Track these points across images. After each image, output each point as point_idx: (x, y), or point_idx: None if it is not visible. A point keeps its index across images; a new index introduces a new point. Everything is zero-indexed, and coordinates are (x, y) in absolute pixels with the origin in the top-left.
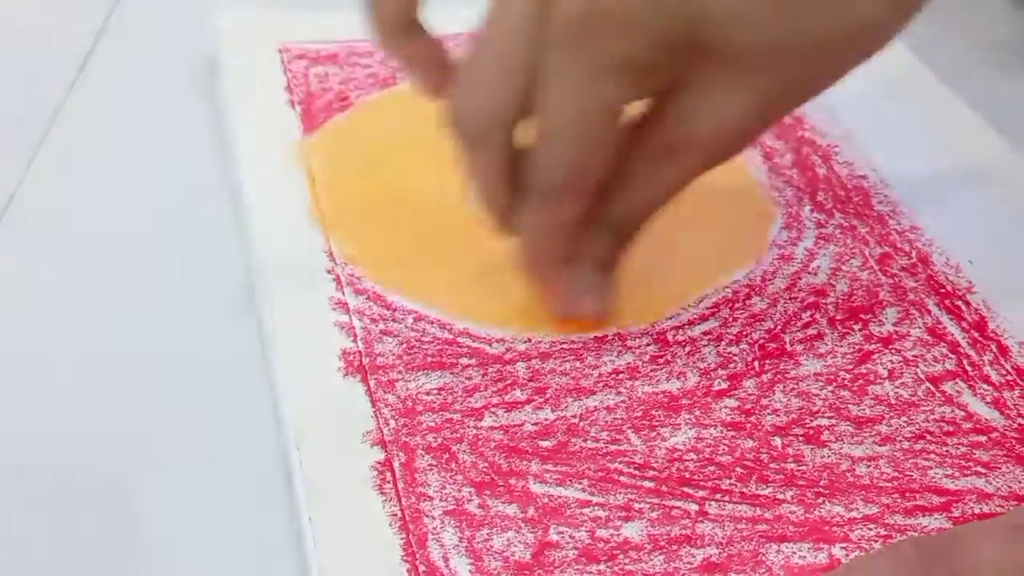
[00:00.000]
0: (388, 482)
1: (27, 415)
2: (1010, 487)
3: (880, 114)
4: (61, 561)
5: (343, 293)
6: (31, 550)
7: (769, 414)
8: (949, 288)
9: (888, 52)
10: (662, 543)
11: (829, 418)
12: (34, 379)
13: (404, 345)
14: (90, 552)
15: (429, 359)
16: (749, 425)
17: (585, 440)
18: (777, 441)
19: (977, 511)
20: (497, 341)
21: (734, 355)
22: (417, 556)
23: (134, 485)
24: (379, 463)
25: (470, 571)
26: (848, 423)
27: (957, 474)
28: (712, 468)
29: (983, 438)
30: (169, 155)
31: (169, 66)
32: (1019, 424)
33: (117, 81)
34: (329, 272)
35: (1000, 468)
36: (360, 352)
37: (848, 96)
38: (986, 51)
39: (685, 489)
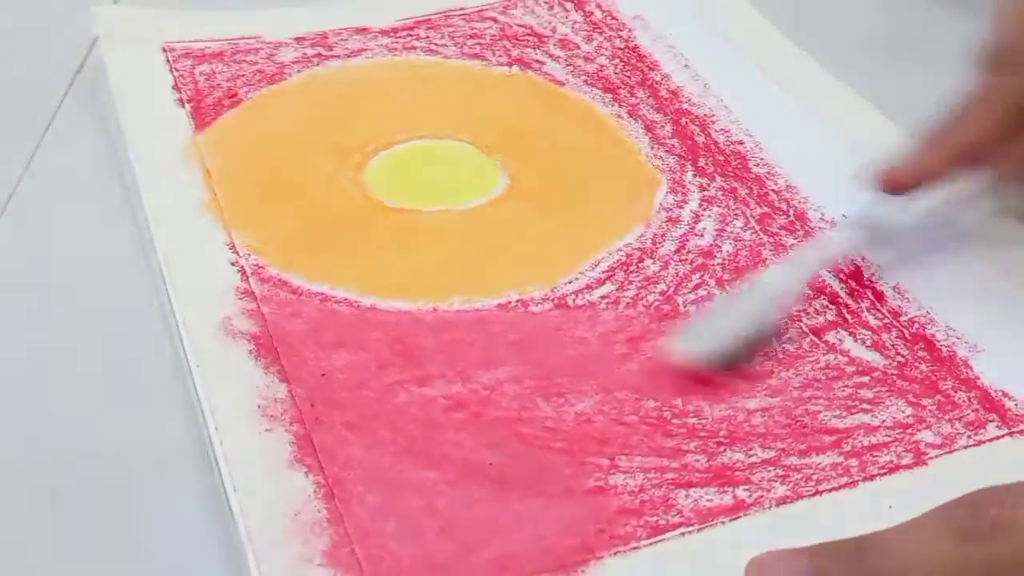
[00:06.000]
0: (310, 455)
1: (27, 414)
2: (894, 418)
3: (754, 88)
4: (61, 561)
5: (248, 283)
6: (31, 550)
7: (667, 376)
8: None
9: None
10: (578, 495)
11: (723, 376)
12: (33, 379)
13: (312, 326)
14: (90, 552)
15: (339, 337)
16: (650, 387)
17: (497, 410)
18: (678, 400)
19: (866, 443)
20: (403, 314)
21: (632, 318)
22: (345, 519)
23: (134, 485)
24: (299, 438)
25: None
26: (740, 379)
27: (844, 414)
28: (619, 428)
29: (866, 378)
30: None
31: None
32: (898, 361)
33: None
34: (233, 264)
35: (884, 402)
36: (271, 336)
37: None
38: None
39: (595, 447)
